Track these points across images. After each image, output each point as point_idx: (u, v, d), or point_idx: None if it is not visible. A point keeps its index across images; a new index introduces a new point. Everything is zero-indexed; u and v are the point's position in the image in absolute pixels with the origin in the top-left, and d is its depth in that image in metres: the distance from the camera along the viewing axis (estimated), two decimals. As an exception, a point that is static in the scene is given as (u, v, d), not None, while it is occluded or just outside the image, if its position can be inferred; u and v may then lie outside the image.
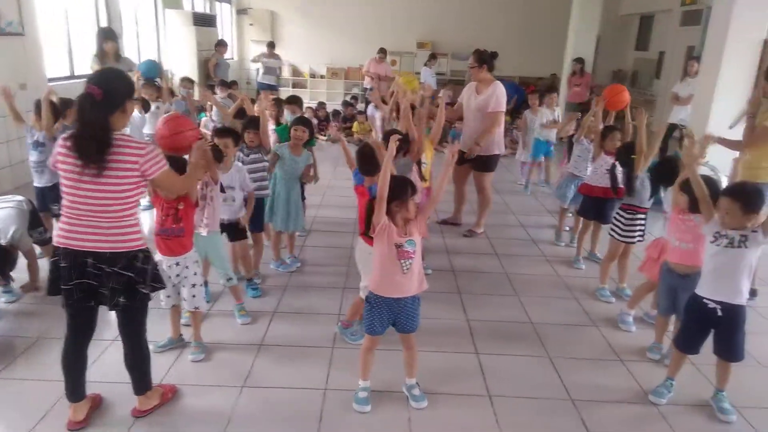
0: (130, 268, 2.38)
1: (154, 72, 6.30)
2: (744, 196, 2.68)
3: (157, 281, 2.55)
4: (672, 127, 7.97)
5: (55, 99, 4.37)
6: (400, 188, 2.59)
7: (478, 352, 3.39)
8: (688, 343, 2.94)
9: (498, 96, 5.08)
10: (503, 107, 5.16)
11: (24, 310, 3.71)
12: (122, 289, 2.37)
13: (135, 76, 5.83)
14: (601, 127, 4.69)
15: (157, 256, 3.11)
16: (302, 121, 4.40)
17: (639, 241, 4.07)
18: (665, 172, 3.64)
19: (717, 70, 5.96)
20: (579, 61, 10.75)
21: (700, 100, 6.32)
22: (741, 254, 2.72)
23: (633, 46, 14.27)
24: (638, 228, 4.00)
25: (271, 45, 11.88)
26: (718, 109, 6.00)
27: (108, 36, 6.38)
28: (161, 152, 2.43)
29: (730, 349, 2.84)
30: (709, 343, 2.92)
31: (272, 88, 11.71)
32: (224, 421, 2.67)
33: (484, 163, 5.32)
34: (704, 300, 2.81)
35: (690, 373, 3.21)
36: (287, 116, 4.96)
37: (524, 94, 10.90)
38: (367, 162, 3.29)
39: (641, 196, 3.88)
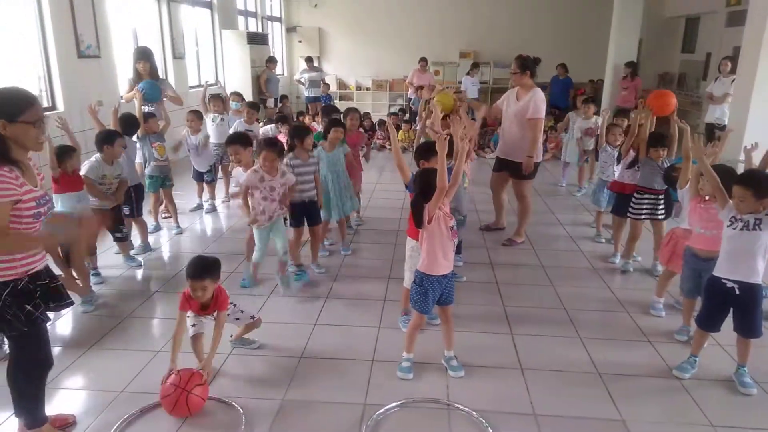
0: None
1: (154, 95, 5.88)
2: (755, 182, 2.88)
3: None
4: (709, 127, 7.99)
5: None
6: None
7: (513, 333, 3.68)
8: (708, 321, 3.15)
9: (536, 102, 5.08)
10: (542, 114, 5.16)
11: (114, 293, 4.24)
12: None
13: (137, 97, 5.56)
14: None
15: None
16: (337, 122, 4.98)
17: (646, 218, 4.58)
18: (669, 176, 4.14)
19: (755, 69, 6.05)
20: (629, 65, 10.80)
21: (739, 98, 6.40)
22: (756, 236, 2.92)
23: (679, 49, 14.15)
24: (645, 207, 4.54)
25: (309, 59, 12.44)
26: (757, 107, 6.08)
27: (141, 56, 6.05)
28: (3, 182, 2.20)
29: (748, 326, 3.03)
30: (731, 323, 3.12)
31: (318, 101, 12.28)
32: (285, 385, 3.06)
33: (518, 169, 5.25)
34: (722, 280, 3.02)
35: (715, 352, 3.41)
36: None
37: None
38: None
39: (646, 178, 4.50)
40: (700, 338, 3.24)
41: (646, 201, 4.51)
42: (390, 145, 10.43)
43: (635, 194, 4.57)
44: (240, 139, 4.53)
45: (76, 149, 4.27)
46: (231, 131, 6.43)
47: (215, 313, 3.09)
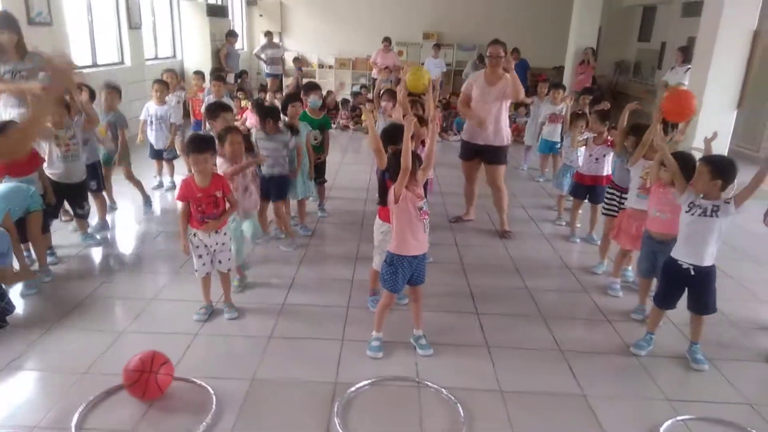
0: None
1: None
2: (713, 162, 3.04)
3: None
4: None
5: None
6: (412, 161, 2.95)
7: (479, 312, 3.76)
8: (665, 299, 3.31)
9: (516, 84, 4.95)
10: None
11: (71, 272, 4.11)
12: None
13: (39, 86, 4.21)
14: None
15: (192, 230, 3.46)
16: (295, 97, 4.95)
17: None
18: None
19: (709, 59, 6.26)
20: (591, 50, 11.07)
21: (694, 88, 6.60)
22: (712, 222, 3.06)
23: (636, 37, 14.52)
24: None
25: (269, 34, 12.23)
26: (711, 97, 6.29)
27: (4, 23, 4.40)
28: None
29: (703, 304, 3.21)
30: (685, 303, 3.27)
31: (278, 77, 12.12)
32: (255, 365, 3.05)
33: (496, 154, 5.19)
34: (678, 261, 3.16)
35: (669, 330, 3.58)
36: (311, 102, 5.28)
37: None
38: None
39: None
40: (656, 316, 3.40)
41: (609, 196, 4.49)
42: (353, 126, 10.43)
43: (607, 189, 4.51)
44: (224, 106, 4.57)
45: (14, 123, 4.00)
46: (202, 108, 6.27)
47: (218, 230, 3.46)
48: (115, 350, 3.12)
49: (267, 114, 4.50)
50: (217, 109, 4.48)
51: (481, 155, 5.28)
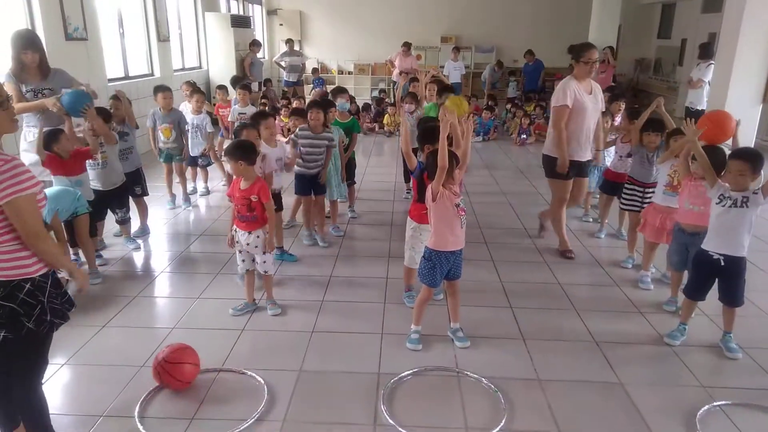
0: (10, 299, 2.04)
1: (77, 104, 4.09)
2: (752, 157, 3.10)
3: (55, 315, 2.17)
4: (687, 110, 8.26)
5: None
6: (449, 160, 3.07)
7: (512, 306, 3.86)
8: (695, 291, 3.38)
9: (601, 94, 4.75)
10: None
11: (119, 274, 4.30)
12: (3, 321, 2.05)
13: (55, 107, 4.06)
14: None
15: (235, 227, 3.64)
16: (316, 104, 4.95)
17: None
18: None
19: (732, 54, 6.28)
20: (610, 49, 11.10)
21: (717, 83, 6.63)
22: (743, 213, 3.12)
23: (656, 35, 14.48)
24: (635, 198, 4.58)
25: (290, 41, 12.45)
26: (735, 92, 6.31)
27: (28, 44, 4.14)
28: (25, 172, 2.01)
29: (732, 296, 3.27)
30: (716, 294, 3.33)
31: (297, 85, 12.33)
32: (300, 357, 3.19)
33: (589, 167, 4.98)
34: (709, 252, 3.23)
35: (702, 321, 3.64)
36: (339, 105, 5.44)
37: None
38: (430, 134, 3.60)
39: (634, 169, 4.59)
40: (688, 308, 3.46)
41: (629, 191, 4.57)
42: (379, 128, 10.61)
43: (625, 185, 4.61)
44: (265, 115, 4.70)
45: (63, 131, 4.18)
46: (229, 117, 6.56)
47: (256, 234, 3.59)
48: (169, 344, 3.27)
49: (321, 106, 4.70)
50: (257, 120, 4.41)
51: (579, 171, 4.80)
